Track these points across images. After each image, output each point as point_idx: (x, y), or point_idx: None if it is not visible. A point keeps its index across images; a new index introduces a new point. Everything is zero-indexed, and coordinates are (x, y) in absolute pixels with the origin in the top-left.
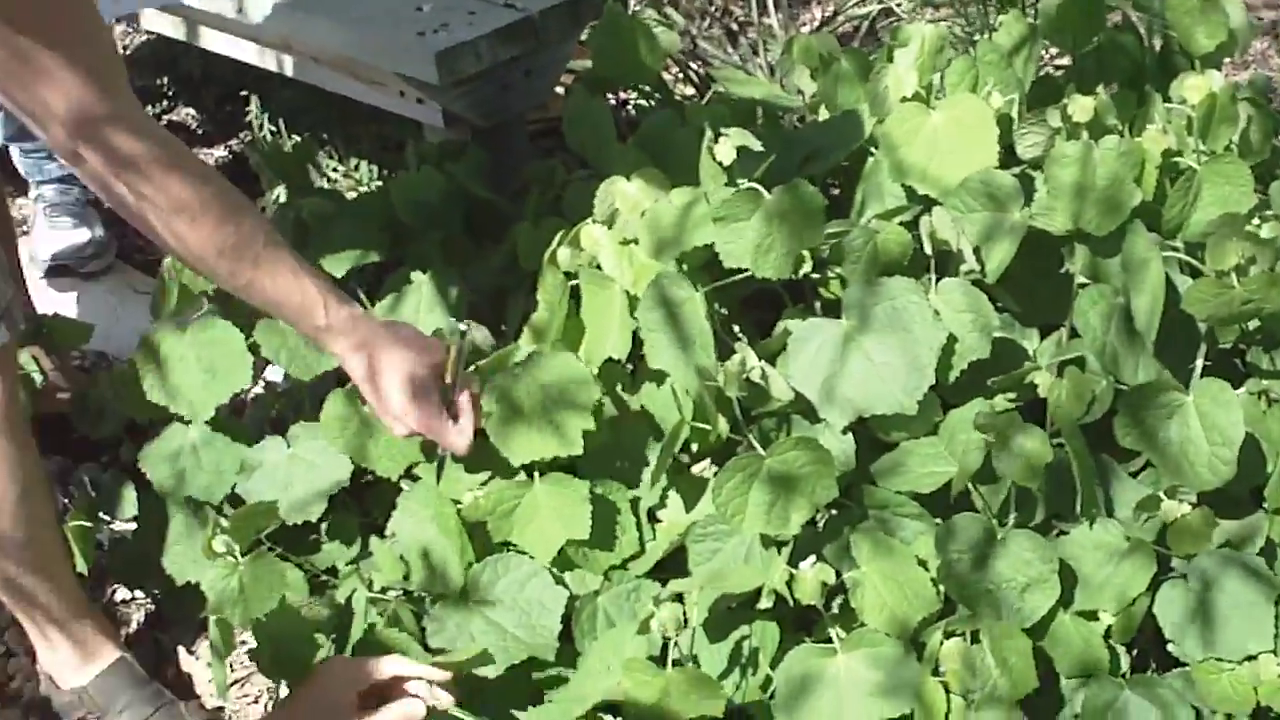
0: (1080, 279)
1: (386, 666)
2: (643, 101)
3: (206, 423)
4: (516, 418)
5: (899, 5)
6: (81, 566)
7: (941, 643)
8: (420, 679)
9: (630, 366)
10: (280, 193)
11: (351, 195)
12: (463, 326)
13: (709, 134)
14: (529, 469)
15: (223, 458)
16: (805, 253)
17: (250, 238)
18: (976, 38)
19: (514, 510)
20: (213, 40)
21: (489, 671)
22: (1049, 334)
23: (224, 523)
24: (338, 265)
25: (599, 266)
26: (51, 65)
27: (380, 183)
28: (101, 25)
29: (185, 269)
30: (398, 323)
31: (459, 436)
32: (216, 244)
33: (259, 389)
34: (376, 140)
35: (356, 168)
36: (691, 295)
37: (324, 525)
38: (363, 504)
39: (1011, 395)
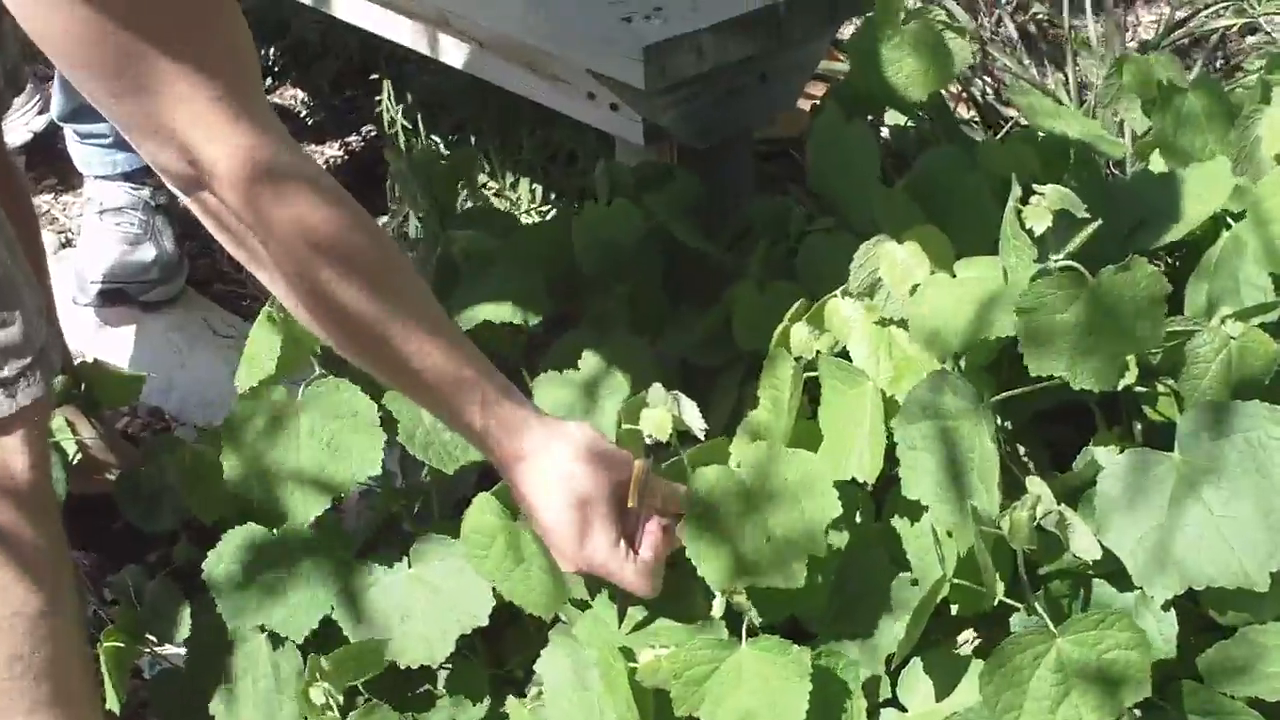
0: None
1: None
2: (905, 122)
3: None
4: (722, 532)
5: (1267, 16)
6: (113, 702)
7: None
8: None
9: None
10: (415, 215)
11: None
12: (649, 439)
13: (1015, 189)
14: (732, 622)
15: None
16: (1130, 358)
17: (403, 297)
18: None
19: (708, 677)
20: (341, 4)
21: None
22: None
23: (324, 664)
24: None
25: (846, 355)
26: (173, 72)
27: (547, 210)
28: (241, 19)
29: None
30: (572, 425)
31: (641, 576)
32: (368, 309)
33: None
34: (542, 151)
35: (514, 185)
36: (973, 407)
37: (443, 673)
38: (496, 648)
39: None
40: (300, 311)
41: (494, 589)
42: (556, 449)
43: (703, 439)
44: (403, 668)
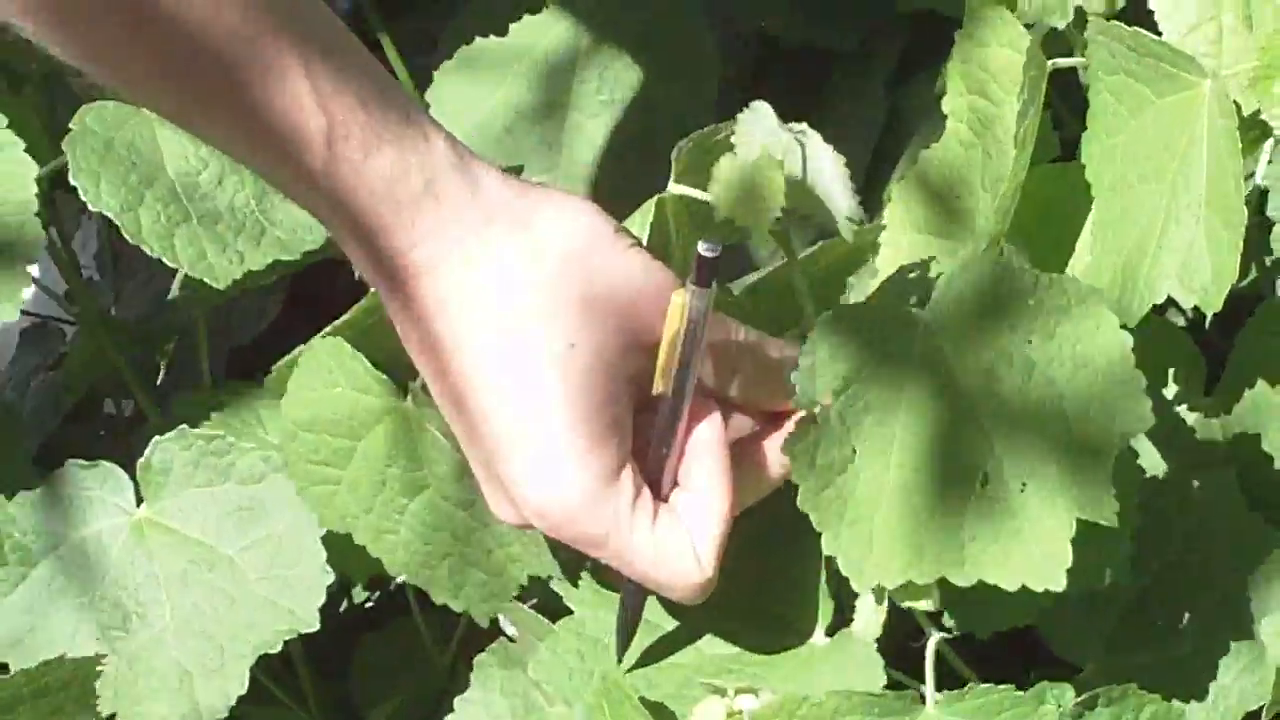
0: None
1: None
2: None
3: None
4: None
5: None
6: None
7: None
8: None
9: None
10: None
11: None
12: (707, 250)
13: None
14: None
15: None
16: None
17: None
18: None
19: None
20: None
21: None
22: None
23: None
24: None
25: (1147, 24)
26: None
27: None
28: None
29: None
30: (539, 192)
31: (671, 558)
32: None
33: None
34: None
35: None
36: None
37: None
38: (334, 686)
39: None
40: None
41: (339, 553)
42: (503, 247)
43: (846, 230)
44: None
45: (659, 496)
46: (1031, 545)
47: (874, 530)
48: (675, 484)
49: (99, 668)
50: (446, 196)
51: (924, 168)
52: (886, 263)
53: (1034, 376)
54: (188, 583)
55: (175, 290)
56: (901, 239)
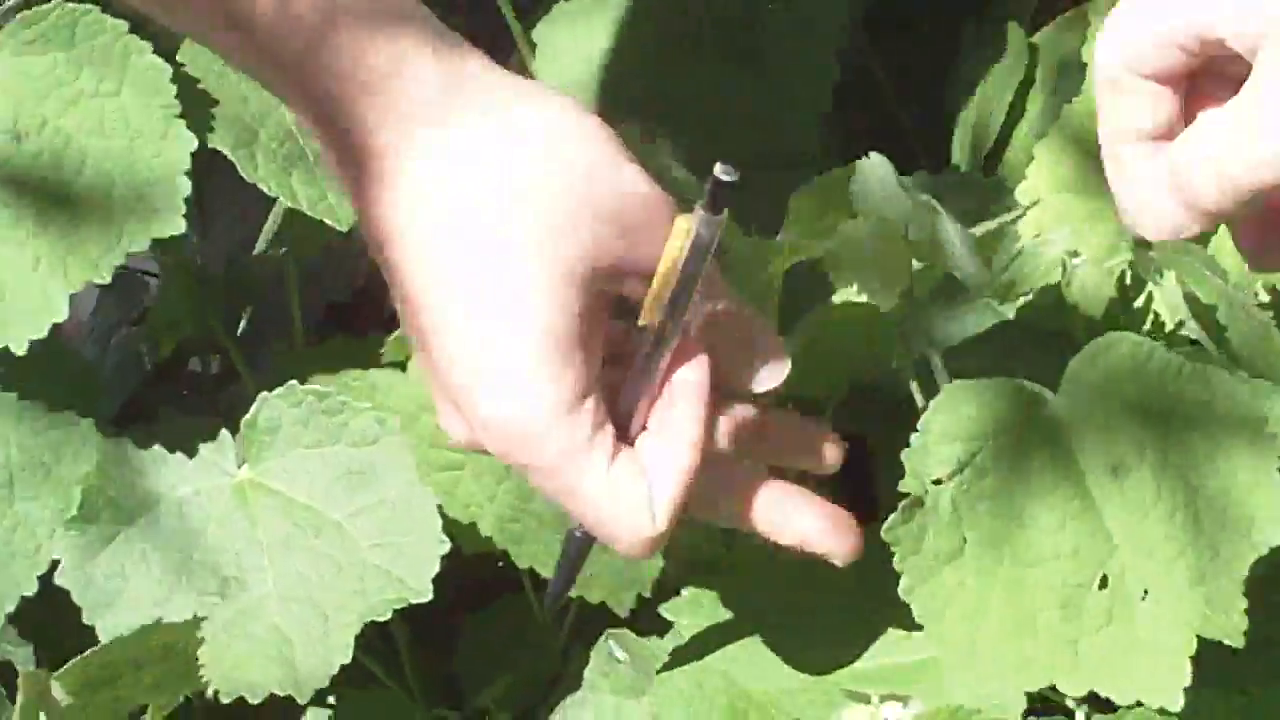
0: None
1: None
2: None
3: None
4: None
5: None
6: None
7: None
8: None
9: None
10: None
11: None
12: (723, 173)
13: None
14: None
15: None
16: None
17: None
18: None
19: None
20: None
21: None
22: None
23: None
24: None
25: None
26: None
27: None
28: None
29: None
30: (530, 86)
31: (638, 515)
32: None
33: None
34: None
35: None
36: None
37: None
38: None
39: None
40: None
41: (450, 522)
42: (477, 130)
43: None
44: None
45: (624, 438)
46: (1150, 658)
47: (981, 632)
48: (644, 428)
49: (198, 634)
50: (416, 78)
51: (1068, 123)
52: (1030, 224)
53: (1167, 472)
54: (291, 548)
55: (264, 239)
56: (1048, 198)
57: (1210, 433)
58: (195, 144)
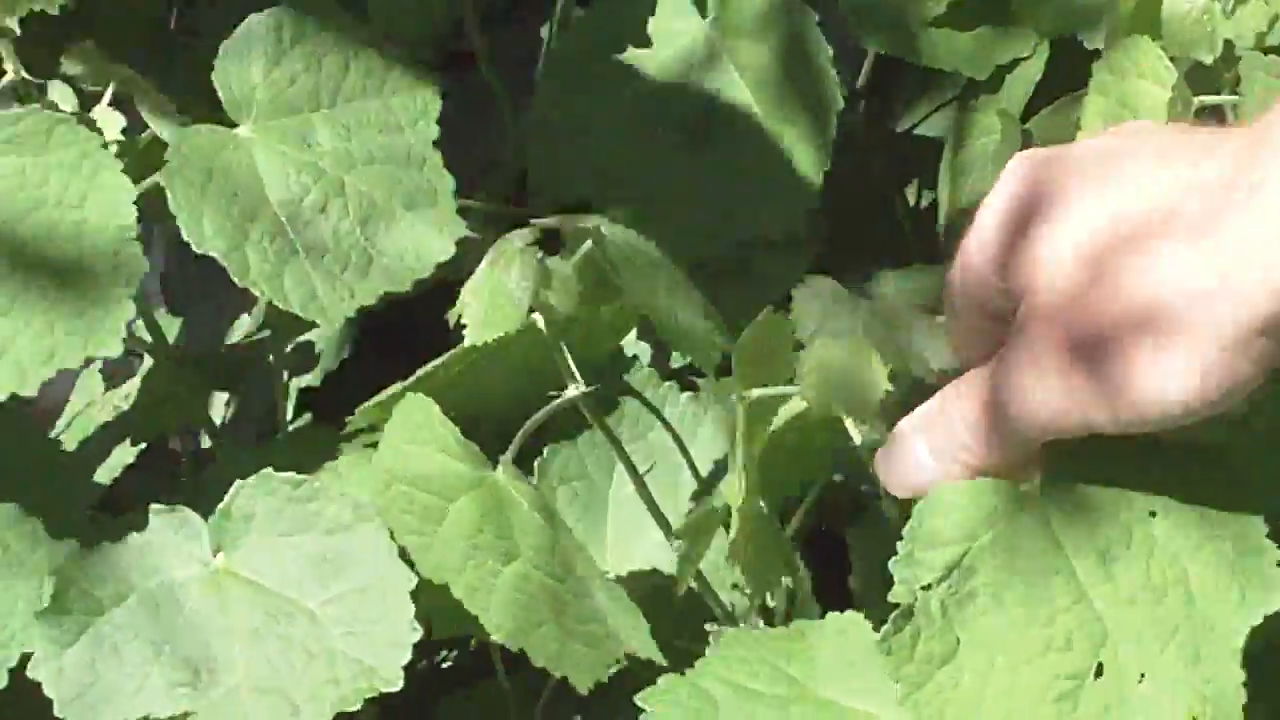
0: None
1: None
2: None
3: None
4: None
5: None
6: None
7: None
8: None
9: None
10: None
11: None
12: None
13: None
14: None
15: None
16: None
17: None
18: None
19: None
20: None
21: None
22: None
23: None
24: None
25: None
26: None
27: None
28: None
29: None
30: None
31: None
32: None
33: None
34: None
35: None
36: None
37: None
38: None
39: None
40: None
41: (422, 610)
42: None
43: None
44: None
45: None
46: None
47: None
48: None
49: None
50: None
51: None
52: None
53: (1155, 555)
54: (263, 637)
55: (249, 324)
56: None
57: (1194, 504)
58: (147, 268)
